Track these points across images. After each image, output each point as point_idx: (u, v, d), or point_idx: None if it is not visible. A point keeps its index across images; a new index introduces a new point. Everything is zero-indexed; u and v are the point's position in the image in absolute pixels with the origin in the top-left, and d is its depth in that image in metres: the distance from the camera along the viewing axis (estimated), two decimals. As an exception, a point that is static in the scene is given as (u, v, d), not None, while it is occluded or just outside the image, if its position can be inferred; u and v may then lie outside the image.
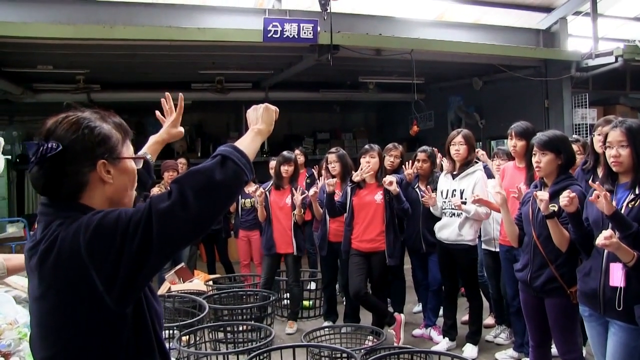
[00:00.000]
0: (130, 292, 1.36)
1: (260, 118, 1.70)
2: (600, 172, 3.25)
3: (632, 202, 2.67)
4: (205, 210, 1.37)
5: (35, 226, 1.56)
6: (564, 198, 2.86)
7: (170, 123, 2.19)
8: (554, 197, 3.10)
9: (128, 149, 1.55)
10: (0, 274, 2.52)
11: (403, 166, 5.31)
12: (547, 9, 9.23)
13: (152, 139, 2.22)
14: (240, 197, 6.71)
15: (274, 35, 6.72)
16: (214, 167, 1.41)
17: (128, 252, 1.31)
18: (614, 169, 2.77)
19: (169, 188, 1.40)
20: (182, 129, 2.18)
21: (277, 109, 1.75)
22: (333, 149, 5.52)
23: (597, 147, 3.45)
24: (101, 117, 1.50)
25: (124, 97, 9.19)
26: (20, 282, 3.35)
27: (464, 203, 4.52)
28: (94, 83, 9.11)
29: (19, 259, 2.52)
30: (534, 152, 3.33)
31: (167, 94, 2.19)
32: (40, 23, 6.46)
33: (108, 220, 1.34)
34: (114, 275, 1.31)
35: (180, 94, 2.16)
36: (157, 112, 2.21)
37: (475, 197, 4.23)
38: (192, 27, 6.82)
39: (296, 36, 6.78)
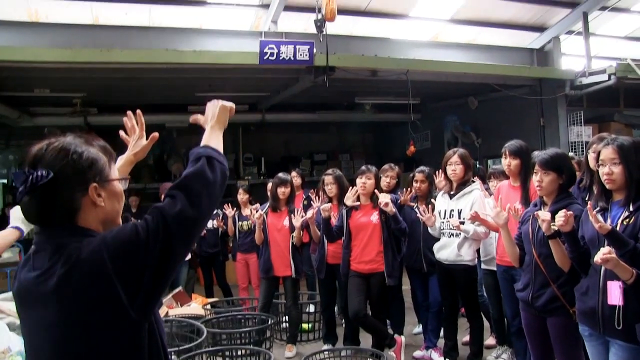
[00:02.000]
0: (152, 301, 1.42)
1: (215, 115, 1.76)
2: (595, 189, 3.25)
3: (627, 220, 2.66)
4: (208, 208, 1.50)
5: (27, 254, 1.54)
6: (560, 218, 2.85)
7: (135, 143, 2.12)
8: (554, 216, 3.08)
9: (114, 171, 1.57)
10: None
11: (399, 193, 5.28)
12: (540, 29, 9.34)
13: (120, 160, 2.13)
14: (237, 219, 6.71)
15: (270, 58, 6.76)
16: (204, 169, 1.52)
17: (151, 261, 1.37)
18: (607, 186, 2.77)
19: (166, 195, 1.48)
20: (144, 141, 2.11)
21: (234, 105, 1.83)
22: (329, 171, 5.51)
23: (592, 164, 3.45)
24: (86, 141, 1.51)
25: (120, 120, 9.09)
26: (15, 309, 3.32)
27: (462, 223, 4.51)
28: (91, 106, 9.15)
29: (2, 238, 2.54)
30: (535, 171, 3.30)
31: (128, 112, 2.13)
32: (37, 47, 6.50)
33: (129, 235, 1.39)
34: (139, 287, 1.37)
35: (138, 110, 2.13)
36: (121, 132, 2.14)
37: (472, 213, 4.21)
38: (188, 50, 6.86)
39: (292, 58, 6.83)
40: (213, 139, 1.68)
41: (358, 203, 4.92)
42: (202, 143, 1.65)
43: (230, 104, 1.81)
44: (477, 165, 7.78)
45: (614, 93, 9.09)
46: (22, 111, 8.91)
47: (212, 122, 1.74)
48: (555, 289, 3.19)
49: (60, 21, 7.21)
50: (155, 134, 2.12)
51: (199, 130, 1.75)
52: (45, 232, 1.47)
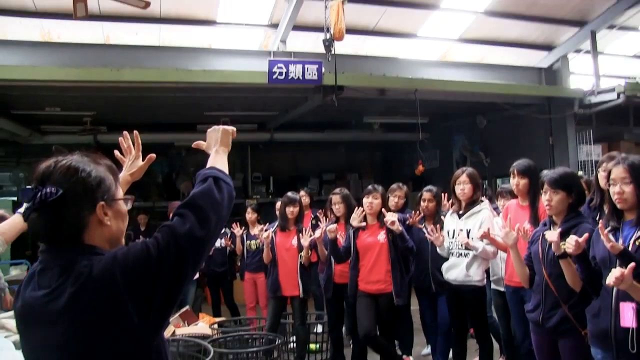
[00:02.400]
0: (162, 320, 1.43)
1: (219, 140, 1.79)
2: (606, 209, 3.21)
3: (639, 240, 2.62)
4: (216, 227, 1.50)
5: (30, 271, 1.53)
6: (570, 245, 2.81)
7: (131, 163, 2.13)
8: (564, 236, 3.01)
9: (119, 190, 1.58)
10: (2, 249, 2.52)
11: (409, 215, 5.25)
12: (548, 48, 9.36)
13: None
14: (245, 238, 6.70)
15: (278, 77, 6.80)
16: (212, 189, 1.54)
17: (162, 279, 1.37)
18: (618, 205, 2.73)
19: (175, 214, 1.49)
20: (140, 162, 2.13)
21: (235, 129, 1.85)
22: (337, 190, 5.50)
23: (602, 183, 3.42)
24: (93, 160, 1.52)
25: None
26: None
27: (471, 241, 4.47)
28: (101, 124, 9.24)
29: (8, 225, 2.50)
30: (544, 190, 3.27)
31: (124, 132, 2.14)
32: (49, 66, 6.58)
33: (140, 253, 1.39)
34: (150, 305, 1.36)
35: (135, 131, 2.14)
36: (116, 152, 2.14)
37: (483, 232, 4.16)
38: (197, 69, 6.93)
39: (301, 77, 6.87)
40: (218, 162, 1.71)
41: (364, 223, 4.90)
42: (208, 165, 1.68)
43: (232, 128, 1.84)
44: (484, 186, 7.76)
45: (623, 111, 9.06)
46: (33, 129, 9.02)
47: (217, 146, 1.77)
48: (567, 310, 3.14)
49: (72, 41, 7.30)
50: (152, 155, 2.13)
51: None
52: (52, 250, 1.46)
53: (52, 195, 1.39)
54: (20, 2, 6.87)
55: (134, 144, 2.13)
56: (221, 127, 1.81)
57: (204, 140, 1.86)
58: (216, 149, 1.77)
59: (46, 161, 1.48)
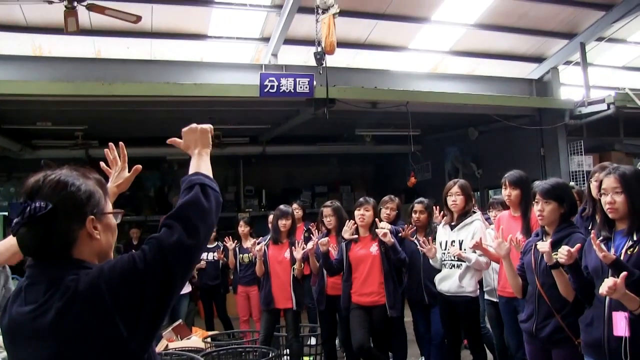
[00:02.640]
0: (151, 333, 1.41)
1: (198, 141, 1.74)
2: (598, 218, 3.22)
3: (631, 249, 2.62)
4: (205, 236, 1.48)
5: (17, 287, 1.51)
6: (563, 256, 2.82)
7: (117, 175, 2.11)
8: (556, 245, 3.03)
9: (109, 204, 1.57)
10: None
11: (401, 229, 5.25)
12: (539, 59, 9.44)
13: None
14: (238, 252, 6.67)
15: (270, 90, 6.82)
16: (199, 197, 1.51)
17: (150, 292, 1.36)
18: (609, 215, 2.74)
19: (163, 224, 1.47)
20: (126, 173, 2.10)
21: (212, 127, 1.79)
22: (328, 203, 5.51)
23: (595, 193, 3.43)
24: (82, 174, 1.50)
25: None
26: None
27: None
28: (92, 139, 9.20)
29: (4, 246, 2.41)
30: (536, 201, 3.29)
31: (110, 144, 2.13)
32: (39, 81, 6.56)
33: (126, 266, 1.37)
34: (138, 318, 1.35)
35: (121, 143, 2.12)
36: (102, 164, 2.12)
37: (475, 242, 4.15)
38: (189, 83, 6.92)
39: (292, 90, 6.88)
40: (202, 165, 1.67)
41: (356, 236, 4.89)
42: (192, 170, 1.65)
43: (208, 126, 1.78)
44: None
45: (614, 122, 9.12)
46: (24, 144, 8.98)
47: (198, 148, 1.73)
48: (560, 319, 3.14)
49: (63, 55, 7.31)
50: (138, 166, 2.10)
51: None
52: (40, 264, 1.44)
53: (41, 209, 1.38)
54: (11, 17, 6.88)
55: (119, 156, 2.11)
56: (199, 126, 1.76)
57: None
58: (198, 151, 1.72)
59: (35, 175, 1.47)
